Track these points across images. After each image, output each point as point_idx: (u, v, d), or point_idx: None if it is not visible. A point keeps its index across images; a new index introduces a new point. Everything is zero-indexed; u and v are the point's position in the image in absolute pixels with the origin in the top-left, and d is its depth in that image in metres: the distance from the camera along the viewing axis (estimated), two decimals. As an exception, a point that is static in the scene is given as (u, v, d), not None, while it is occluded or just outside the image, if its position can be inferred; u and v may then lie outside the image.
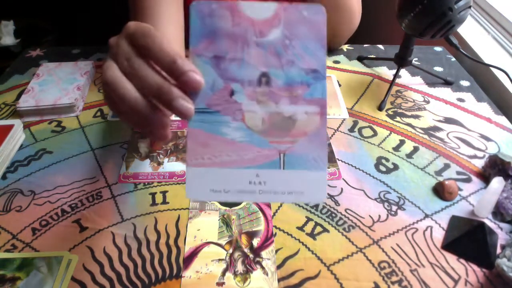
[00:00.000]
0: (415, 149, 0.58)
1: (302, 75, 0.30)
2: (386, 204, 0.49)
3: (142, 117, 0.29)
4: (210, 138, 0.30)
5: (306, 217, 0.48)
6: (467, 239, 0.43)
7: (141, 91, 0.29)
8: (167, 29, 0.56)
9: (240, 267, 0.42)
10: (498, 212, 0.47)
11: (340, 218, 0.48)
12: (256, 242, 0.45)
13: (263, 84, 0.30)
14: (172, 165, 0.54)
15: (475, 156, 0.56)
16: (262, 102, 0.30)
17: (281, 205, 0.49)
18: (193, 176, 0.30)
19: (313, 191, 0.30)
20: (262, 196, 0.30)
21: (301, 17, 0.30)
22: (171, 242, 0.45)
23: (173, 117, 0.35)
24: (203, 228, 0.46)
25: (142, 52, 0.29)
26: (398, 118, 0.63)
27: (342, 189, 0.51)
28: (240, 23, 0.29)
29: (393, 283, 0.41)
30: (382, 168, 0.54)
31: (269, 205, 0.49)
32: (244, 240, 0.45)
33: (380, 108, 0.65)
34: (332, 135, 0.60)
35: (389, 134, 0.60)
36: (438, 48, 0.83)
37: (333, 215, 0.48)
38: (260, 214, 0.48)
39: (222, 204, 0.49)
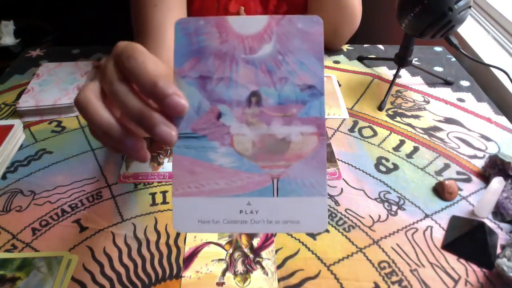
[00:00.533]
0: (415, 149, 0.58)
1: (297, 92, 0.27)
2: (386, 204, 0.49)
3: (115, 141, 0.28)
4: (196, 165, 0.28)
5: (306, 217, 0.48)
6: (467, 239, 0.43)
7: (123, 116, 0.28)
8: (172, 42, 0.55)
9: (240, 267, 0.42)
10: (498, 212, 0.47)
11: (340, 218, 0.48)
12: (256, 242, 0.45)
13: (253, 104, 0.28)
14: (172, 165, 0.54)
15: (475, 156, 0.56)
16: (252, 124, 0.28)
17: (281, 205, 0.49)
18: (180, 207, 0.28)
19: (311, 219, 0.27)
20: (254, 226, 0.28)
21: (295, 30, 0.27)
22: (171, 242, 0.45)
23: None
24: (203, 228, 0.46)
25: (127, 76, 0.28)
26: (398, 118, 0.63)
27: (342, 189, 0.51)
28: (229, 40, 0.27)
29: (393, 283, 0.41)
30: (382, 168, 0.54)
31: (269, 205, 0.49)
32: (244, 240, 0.45)
33: (380, 108, 0.65)
34: (332, 135, 0.60)
35: (389, 134, 0.60)
36: (438, 48, 0.83)
37: (333, 215, 0.48)
38: (260, 214, 0.48)
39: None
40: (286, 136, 0.28)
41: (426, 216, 0.48)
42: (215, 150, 0.28)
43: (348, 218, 0.48)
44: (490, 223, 0.47)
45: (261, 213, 0.28)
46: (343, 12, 0.70)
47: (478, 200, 0.49)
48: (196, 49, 0.28)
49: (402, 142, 0.59)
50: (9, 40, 1.56)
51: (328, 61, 0.78)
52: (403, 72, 0.75)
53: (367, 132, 0.61)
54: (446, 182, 0.50)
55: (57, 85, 0.66)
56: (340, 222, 0.47)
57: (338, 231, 0.46)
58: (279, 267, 0.42)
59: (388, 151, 0.57)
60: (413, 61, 0.70)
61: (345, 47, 0.83)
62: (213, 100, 0.28)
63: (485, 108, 0.66)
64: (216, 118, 0.28)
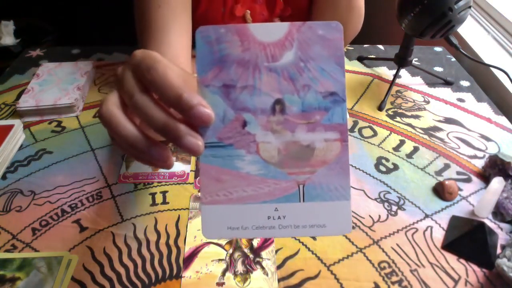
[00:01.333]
0: (415, 149, 0.58)
1: (319, 100, 0.28)
2: (386, 204, 0.49)
3: (141, 153, 0.28)
4: (224, 173, 0.28)
5: (306, 217, 0.48)
6: (467, 239, 0.43)
7: (147, 127, 0.28)
8: (178, 42, 0.55)
9: (240, 267, 0.42)
10: (498, 212, 0.47)
11: (340, 218, 0.48)
12: (256, 242, 0.45)
13: (278, 112, 0.28)
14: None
15: (475, 156, 0.56)
16: (277, 132, 0.28)
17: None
18: (209, 214, 0.28)
19: (336, 223, 0.28)
20: (282, 231, 0.28)
21: (316, 36, 0.28)
22: (171, 242, 0.45)
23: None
24: (203, 228, 0.46)
25: (147, 86, 0.28)
26: (398, 118, 0.63)
27: (342, 189, 0.51)
28: (250, 48, 0.28)
29: (393, 283, 0.41)
30: (382, 168, 0.54)
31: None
32: (244, 240, 0.45)
33: (380, 108, 0.65)
34: (332, 135, 0.60)
35: (389, 134, 0.60)
36: (438, 48, 0.83)
37: (333, 215, 0.48)
38: (260, 214, 0.48)
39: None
40: (311, 143, 0.28)
41: (426, 216, 0.48)
42: (241, 158, 0.28)
43: (348, 218, 0.48)
44: (490, 223, 0.47)
45: (288, 218, 0.28)
46: (351, 12, 0.70)
47: (478, 200, 0.49)
48: (218, 58, 0.28)
49: (402, 142, 0.59)
50: (9, 40, 1.56)
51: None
52: (403, 72, 0.75)
53: (367, 132, 0.61)
54: (446, 182, 0.50)
55: (57, 85, 0.66)
56: (340, 222, 0.47)
57: (338, 231, 0.46)
58: (279, 267, 0.42)
59: (388, 151, 0.57)
60: (413, 61, 0.70)
61: (345, 47, 0.83)
62: (237, 108, 0.28)
63: (485, 108, 0.66)
64: (241, 126, 0.28)
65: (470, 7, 0.57)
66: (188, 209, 0.48)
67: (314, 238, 0.45)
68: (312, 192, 0.28)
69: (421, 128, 0.61)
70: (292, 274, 0.42)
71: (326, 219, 0.28)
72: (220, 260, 0.43)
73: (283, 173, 0.28)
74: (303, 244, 0.45)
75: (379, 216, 0.48)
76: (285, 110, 0.28)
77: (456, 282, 0.41)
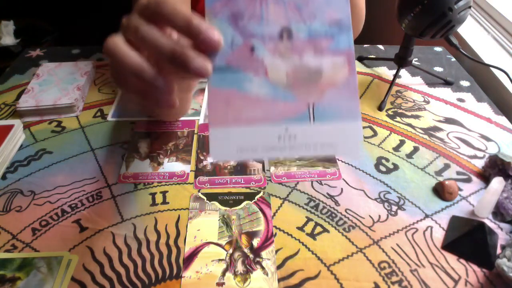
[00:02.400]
0: (415, 149, 0.58)
1: (325, 27, 0.28)
2: (386, 204, 0.49)
3: (147, 83, 0.28)
4: (233, 95, 0.28)
5: (306, 217, 0.48)
6: (467, 239, 0.43)
7: (152, 58, 0.28)
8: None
9: (240, 267, 0.42)
10: (498, 212, 0.47)
11: (340, 218, 0.48)
12: (256, 242, 0.45)
13: (285, 39, 0.28)
14: (172, 165, 0.54)
15: (475, 156, 0.56)
16: (285, 56, 0.28)
17: (281, 205, 0.49)
18: (217, 137, 0.28)
19: (346, 143, 0.28)
20: (292, 151, 0.28)
21: None
22: (171, 242, 0.45)
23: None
24: (203, 228, 0.46)
25: (155, 20, 0.28)
26: (398, 118, 0.63)
27: (342, 189, 0.51)
28: None
29: (393, 283, 0.41)
30: (382, 168, 0.54)
31: (269, 205, 0.49)
32: (244, 240, 0.45)
33: (380, 108, 0.65)
34: (332, 135, 0.60)
35: (389, 134, 0.60)
36: (438, 48, 0.83)
37: (333, 215, 0.48)
38: (260, 214, 0.48)
39: (222, 204, 0.49)
40: (318, 67, 0.29)
41: (426, 216, 0.48)
42: (250, 81, 0.28)
43: (348, 218, 0.48)
44: (490, 223, 0.47)
45: (298, 138, 0.28)
46: (352, 13, 0.69)
47: (478, 200, 0.49)
48: None
49: (402, 142, 0.59)
50: (9, 40, 1.56)
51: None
52: (403, 72, 0.75)
53: (367, 132, 0.61)
54: (446, 182, 0.50)
55: (57, 85, 0.66)
56: (340, 222, 0.47)
57: (338, 231, 0.46)
58: (279, 267, 0.42)
59: (388, 151, 0.57)
60: (413, 61, 0.70)
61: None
62: (246, 35, 0.28)
63: (485, 108, 0.66)
64: (249, 51, 0.28)
65: (470, 7, 0.57)
66: (188, 209, 0.48)
67: (314, 238, 0.45)
68: (322, 112, 0.28)
69: (421, 128, 0.61)
70: (292, 274, 0.42)
71: (336, 139, 0.28)
72: (220, 260, 0.43)
73: (292, 95, 0.29)
74: (303, 244, 0.45)
75: (379, 216, 0.48)
76: (292, 36, 0.28)
77: (456, 282, 0.41)
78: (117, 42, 0.28)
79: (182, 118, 0.62)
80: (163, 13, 0.27)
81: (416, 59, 0.78)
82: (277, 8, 0.28)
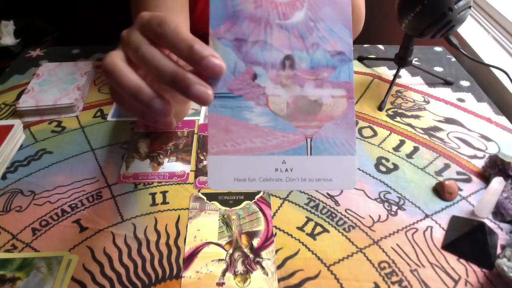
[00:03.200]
0: (415, 149, 0.58)
1: (327, 58, 0.29)
2: (386, 204, 0.49)
3: (144, 105, 0.28)
4: (232, 124, 0.28)
5: (306, 217, 0.48)
6: (467, 239, 0.43)
7: (153, 80, 0.28)
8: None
9: (240, 267, 0.42)
10: (498, 212, 0.47)
11: (340, 218, 0.48)
12: (256, 242, 0.45)
13: (287, 67, 0.29)
14: (172, 165, 0.54)
15: (475, 156, 0.56)
16: (286, 86, 0.29)
17: (281, 205, 0.49)
18: (215, 165, 0.28)
19: (342, 177, 0.29)
20: (289, 184, 0.28)
21: None
22: (171, 242, 0.45)
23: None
24: (203, 228, 0.46)
25: (156, 41, 0.28)
26: (398, 118, 0.63)
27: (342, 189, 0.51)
28: (263, 5, 0.29)
29: (393, 283, 0.41)
30: (382, 168, 0.54)
31: (269, 205, 0.49)
32: (244, 240, 0.45)
33: (380, 108, 0.65)
34: (332, 135, 0.60)
35: (389, 134, 0.60)
36: (438, 48, 0.83)
37: (333, 215, 0.48)
38: (260, 214, 0.48)
39: (222, 204, 0.49)
40: (318, 98, 0.29)
41: (426, 216, 0.48)
42: (250, 109, 0.29)
43: (348, 218, 0.48)
44: (490, 223, 0.47)
45: (295, 171, 0.29)
46: (352, 12, 0.69)
47: (478, 200, 0.49)
48: (231, 13, 0.29)
49: (402, 142, 0.59)
50: (9, 40, 1.56)
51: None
52: (403, 72, 0.75)
53: (367, 132, 0.61)
54: (446, 182, 0.50)
55: (57, 85, 0.66)
56: (340, 222, 0.47)
57: (338, 231, 0.46)
58: (279, 267, 0.42)
59: (388, 151, 0.57)
60: (413, 61, 0.70)
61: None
62: (248, 61, 0.29)
63: (485, 108, 0.66)
64: (251, 79, 0.29)
65: (470, 7, 0.57)
66: (188, 209, 0.48)
67: (314, 238, 0.45)
68: (319, 145, 0.29)
69: (421, 128, 0.61)
70: (292, 274, 0.42)
71: (332, 173, 0.29)
72: (220, 260, 0.43)
73: (291, 126, 0.29)
74: (303, 244, 0.45)
75: (379, 216, 0.48)
76: (295, 66, 0.29)
77: (456, 282, 0.41)
78: (116, 61, 0.28)
79: (182, 118, 0.62)
80: (164, 36, 0.27)
81: (416, 59, 0.78)
82: (281, 34, 0.29)
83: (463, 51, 0.62)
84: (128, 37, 0.29)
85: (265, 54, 0.29)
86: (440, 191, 0.50)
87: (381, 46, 0.83)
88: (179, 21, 0.55)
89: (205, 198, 0.50)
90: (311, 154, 0.29)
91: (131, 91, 0.28)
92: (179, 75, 0.27)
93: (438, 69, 0.76)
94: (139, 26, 0.29)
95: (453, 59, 0.79)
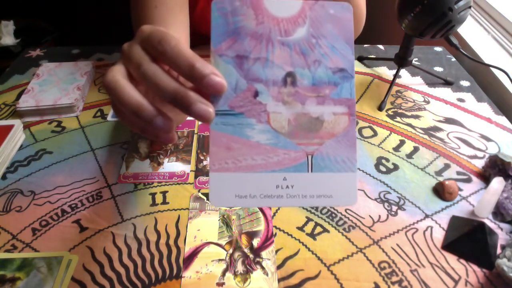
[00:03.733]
0: (415, 149, 0.58)
1: (329, 75, 0.29)
2: (386, 204, 0.49)
3: (145, 122, 0.28)
4: (233, 141, 0.28)
5: (306, 217, 0.48)
6: (467, 239, 0.43)
7: (155, 97, 0.28)
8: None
9: (240, 267, 0.42)
10: (498, 212, 0.47)
11: (340, 218, 0.48)
12: (256, 242, 0.45)
13: (289, 84, 0.29)
14: (172, 165, 0.54)
15: (475, 156, 0.56)
16: (288, 103, 0.29)
17: (281, 205, 0.49)
18: (217, 182, 0.28)
19: (343, 194, 0.29)
20: (290, 200, 0.29)
21: (328, 15, 0.29)
22: (171, 242, 0.45)
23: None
24: (203, 228, 0.46)
25: (157, 57, 0.28)
26: (398, 118, 0.63)
27: (342, 189, 0.51)
28: (264, 22, 0.29)
29: (393, 283, 0.41)
30: (382, 168, 0.54)
31: (269, 205, 0.49)
32: (244, 240, 0.45)
33: (380, 108, 0.65)
34: (332, 135, 0.60)
35: (389, 134, 0.60)
36: (438, 48, 0.83)
37: (333, 215, 0.48)
38: (260, 214, 0.48)
39: (222, 204, 0.49)
40: (320, 115, 0.29)
41: (426, 216, 0.48)
42: (252, 127, 0.29)
43: (348, 218, 0.48)
44: (490, 223, 0.47)
45: (296, 188, 0.29)
46: (354, 10, 0.69)
47: (478, 200, 0.49)
48: (232, 29, 0.29)
49: (402, 142, 0.59)
50: (9, 40, 1.56)
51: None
52: (403, 72, 0.75)
53: (367, 132, 0.61)
54: (446, 182, 0.50)
55: (57, 85, 0.66)
56: (340, 222, 0.47)
57: (338, 231, 0.46)
58: (279, 267, 0.42)
59: (388, 151, 0.57)
60: (413, 61, 0.70)
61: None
62: (250, 78, 0.29)
63: (485, 108, 0.66)
64: (253, 96, 0.29)
65: (470, 7, 0.57)
66: (188, 209, 0.48)
67: (314, 238, 0.45)
68: (320, 163, 0.29)
69: (421, 128, 0.61)
70: (292, 274, 0.42)
71: (332, 190, 0.29)
72: (220, 260, 0.43)
73: (292, 144, 0.29)
74: (303, 244, 0.45)
75: (379, 216, 0.48)
76: (296, 83, 0.29)
77: (456, 282, 0.41)
78: (117, 77, 0.28)
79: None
80: (165, 54, 0.27)
81: (416, 59, 0.78)
82: (282, 52, 0.29)
83: (463, 51, 0.62)
84: (129, 52, 0.29)
85: (267, 71, 0.29)
86: (440, 191, 0.50)
87: (381, 46, 0.83)
88: (178, 21, 0.55)
89: (205, 198, 0.50)
90: (312, 171, 0.29)
91: (132, 108, 0.28)
92: (180, 93, 0.27)
93: (438, 69, 0.76)
94: (140, 41, 0.29)
95: (453, 59, 0.79)
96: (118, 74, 0.28)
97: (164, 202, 0.49)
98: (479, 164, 0.55)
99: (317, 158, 0.29)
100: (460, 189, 0.51)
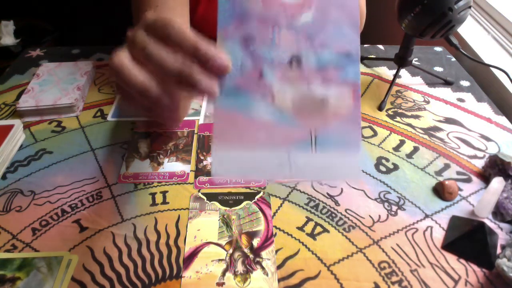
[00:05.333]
0: (415, 149, 0.58)
1: (335, 57, 0.29)
2: (386, 204, 0.49)
3: (152, 101, 0.28)
4: (238, 118, 0.29)
5: (306, 217, 0.48)
6: (467, 239, 0.43)
7: (159, 76, 0.28)
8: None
9: (240, 267, 0.42)
10: (498, 212, 0.47)
11: (340, 218, 0.48)
12: (256, 242, 0.45)
13: (294, 66, 0.29)
14: (172, 165, 0.54)
15: (475, 156, 0.56)
16: (293, 84, 0.29)
17: (281, 205, 0.49)
18: (220, 153, 0.28)
19: (345, 173, 0.29)
20: (292, 175, 0.29)
21: (333, 1, 0.29)
22: (171, 242, 0.45)
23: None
24: (203, 228, 0.46)
25: (162, 41, 0.28)
26: (398, 118, 0.63)
27: (342, 189, 0.51)
28: (271, 7, 0.29)
29: (393, 283, 0.41)
30: (382, 168, 0.54)
31: (269, 205, 0.49)
32: (244, 240, 0.45)
33: (380, 108, 0.65)
34: (332, 135, 0.60)
35: (389, 134, 0.60)
36: (438, 48, 0.83)
37: (333, 215, 0.48)
38: (260, 214, 0.48)
39: (222, 204, 0.49)
40: (324, 97, 0.29)
41: (426, 216, 0.48)
42: (256, 105, 0.29)
43: (348, 218, 0.48)
44: (490, 223, 0.47)
45: (299, 165, 0.29)
46: None
47: (478, 200, 0.49)
48: (239, 12, 0.29)
49: (402, 142, 0.59)
50: (9, 40, 1.56)
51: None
52: (403, 72, 0.75)
53: (367, 132, 0.61)
54: (446, 182, 0.50)
55: (57, 85, 0.66)
56: (340, 222, 0.47)
57: (338, 231, 0.46)
58: (279, 267, 0.42)
59: (388, 151, 0.57)
60: (413, 61, 0.70)
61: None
62: (255, 59, 0.29)
63: (485, 108, 0.66)
64: (258, 76, 0.29)
65: (470, 7, 0.57)
66: (188, 209, 0.48)
67: (314, 238, 0.45)
68: (323, 142, 0.29)
69: (421, 128, 0.61)
70: (292, 274, 0.42)
71: (335, 169, 0.29)
72: (220, 260, 0.43)
73: (296, 123, 0.29)
74: (303, 244, 0.45)
75: (379, 216, 0.48)
76: (302, 65, 0.29)
77: (456, 282, 0.41)
78: (123, 59, 0.28)
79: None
80: (170, 37, 0.27)
81: (416, 59, 0.78)
82: (289, 35, 0.29)
83: (463, 51, 0.62)
84: (134, 37, 0.29)
85: (273, 53, 0.29)
86: (440, 191, 0.50)
87: (381, 46, 0.83)
88: (180, 21, 0.55)
89: (205, 198, 0.50)
90: (315, 150, 0.29)
91: (139, 88, 0.28)
92: (186, 71, 0.27)
93: (438, 69, 0.76)
94: (144, 26, 0.29)
95: (453, 59, 0.79)
96: (123, 57, 0.29)
97: (164, 202, 0.49)
98: (479, 164, 0.55)
99: (320, 138, 0.29)
100: (460, 189, 0.51)
